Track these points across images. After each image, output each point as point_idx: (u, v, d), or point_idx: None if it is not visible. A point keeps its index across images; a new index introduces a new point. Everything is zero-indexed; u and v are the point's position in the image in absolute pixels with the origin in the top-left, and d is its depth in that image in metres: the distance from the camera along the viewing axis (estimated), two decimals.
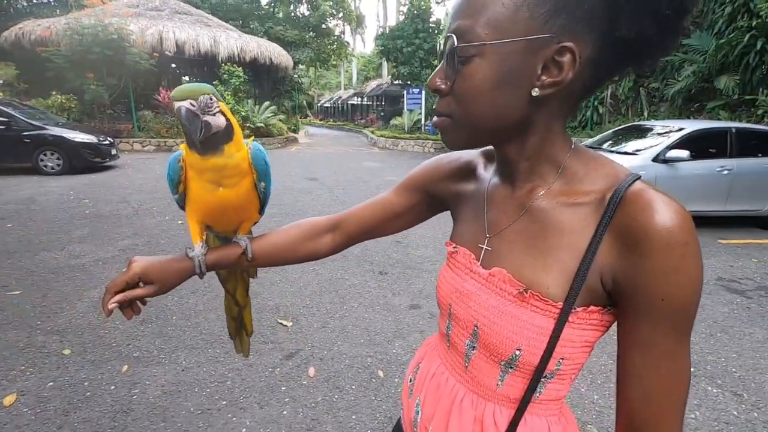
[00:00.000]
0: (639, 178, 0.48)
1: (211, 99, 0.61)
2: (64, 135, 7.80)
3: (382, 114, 22.64)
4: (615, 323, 0.50)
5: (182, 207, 0.72)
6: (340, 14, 24.16)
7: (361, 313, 2.91)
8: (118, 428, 1.83)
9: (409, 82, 15.72)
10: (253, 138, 0.71)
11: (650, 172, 4.69)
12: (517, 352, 0.50)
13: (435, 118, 0.55)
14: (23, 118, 7.67)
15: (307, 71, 23.02)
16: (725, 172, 4.86)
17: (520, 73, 0.46)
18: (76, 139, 7.84)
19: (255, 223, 0.77)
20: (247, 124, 12.69)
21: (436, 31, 15.50)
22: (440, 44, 0.47)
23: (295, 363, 2.32)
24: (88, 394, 2.04)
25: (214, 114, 0.61)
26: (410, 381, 0.69)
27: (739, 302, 3.20)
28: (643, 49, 0.46)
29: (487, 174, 0.64)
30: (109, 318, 0.58)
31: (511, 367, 0.52)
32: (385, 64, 25.98)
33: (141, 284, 0.66)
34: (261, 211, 0.75)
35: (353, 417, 1.95)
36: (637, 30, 0.44)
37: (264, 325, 2.69)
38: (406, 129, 15.60)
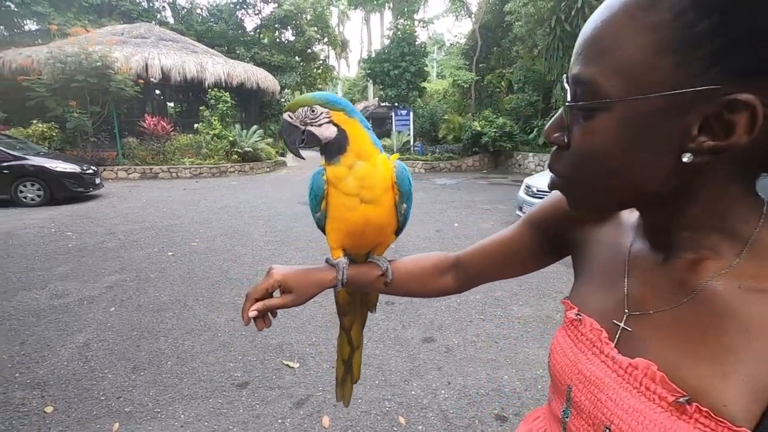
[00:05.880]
0: None
1: (312, 110, 0.60)
2: (45, 165, 7.53)
3: None
4: None
5: (321, 228, 0.69)
6: (325, 39, 24.47)
7: (372, 349, 2.72)
8: None
9: (396, 104, 15.82)
10: (398, 156, 0.67)
11: None
12: None
13: (551, 176, 0.44)
14: (1, 147, 7.40)
15: (293, 95, 23.11)
16: None
17: (665, 136, 0.34)
18: (58, 169, 7.58)
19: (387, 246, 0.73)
20: (235, 149, 12.53)
21: (421, 54, 15.75)
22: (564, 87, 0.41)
23: (306, 411, 2.10)
24: None
25: (320, 125, 0.60)
26: None
27: None
28: None
29: (632, 220, 0.49)
30: (247, 321, 0.60)
31: None
32: (370, 86, 26.26)
33: (276, 293, 0.65)
34: (397, 233, 0.71)
35: None
36: None
37: (269, 368, 2.48)
38: (395, 150, 15.61)
